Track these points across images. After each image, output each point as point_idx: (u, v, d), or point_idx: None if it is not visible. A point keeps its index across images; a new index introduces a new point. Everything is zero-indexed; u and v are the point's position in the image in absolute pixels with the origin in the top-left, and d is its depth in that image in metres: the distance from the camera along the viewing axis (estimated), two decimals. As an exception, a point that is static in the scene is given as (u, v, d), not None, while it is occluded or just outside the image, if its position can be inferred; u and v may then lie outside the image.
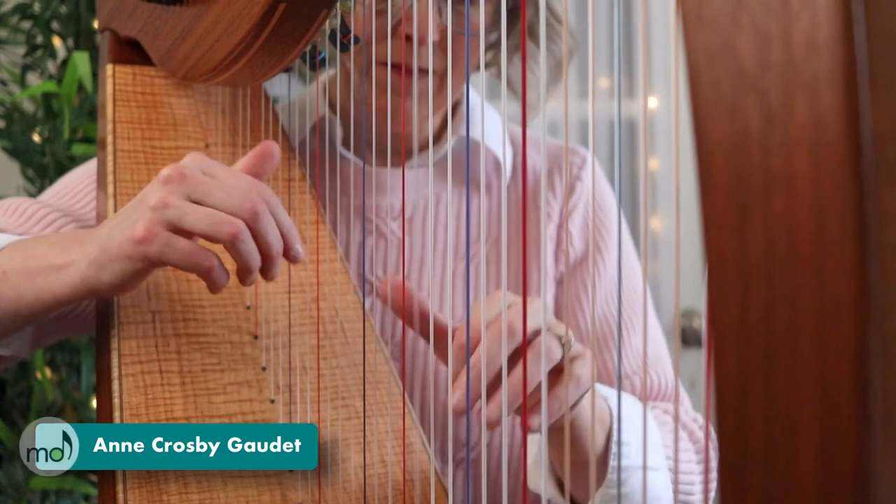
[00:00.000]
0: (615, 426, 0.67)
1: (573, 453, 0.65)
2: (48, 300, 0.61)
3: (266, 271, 0.61)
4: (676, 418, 0.35)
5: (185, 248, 0.58)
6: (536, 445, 0.71)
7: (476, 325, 0.56)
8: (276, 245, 0.60)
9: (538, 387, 0.55)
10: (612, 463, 0.67)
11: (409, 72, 0.73)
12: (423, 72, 0.74)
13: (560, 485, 0.69)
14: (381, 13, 0.74)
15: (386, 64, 0.76)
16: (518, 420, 0.81)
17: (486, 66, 0.89)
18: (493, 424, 0.55)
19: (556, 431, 0.63)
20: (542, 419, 0.49)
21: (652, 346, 0.87)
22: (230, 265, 0.61)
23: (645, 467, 0.38)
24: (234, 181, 0.60)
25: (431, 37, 0.59)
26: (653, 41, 1.80)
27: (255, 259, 0.60)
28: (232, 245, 0.58)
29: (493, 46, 0.86)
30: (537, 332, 0.57)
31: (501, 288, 0.52)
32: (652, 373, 0.85)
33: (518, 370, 0.54)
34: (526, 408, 0.53)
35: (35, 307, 0.62)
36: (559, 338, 0.57)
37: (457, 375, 0.56)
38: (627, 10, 1.86)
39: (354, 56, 0.77)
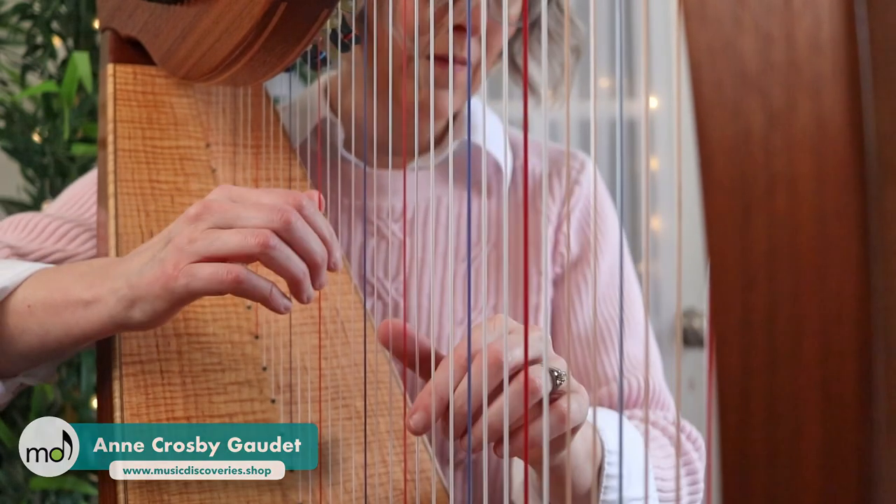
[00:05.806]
0: (607, 459, 0.66)
1: (562, 487, 0.62)
2: (76, 336, 0.60)
3: (312, 280, 0.58)
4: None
5: (207, 271, 0.55)
6: (520, 470, 0.69)
7: (472, 350, 0.53)
8: (319, 251, 0.58)
9: (521, 417, 0.53)
10: (604, 497, 0.66)
11: (445, 61, 0.75)
12: (455, 61, 0.75)
13: None
14: (424, 3, 0.73)
15: (425, 57, 0.76)
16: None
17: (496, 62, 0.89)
18: (475, 449, 0.53)
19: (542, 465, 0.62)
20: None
21: (639, 351, 0.86)
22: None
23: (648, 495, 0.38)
24: (264, 198, 0.58)
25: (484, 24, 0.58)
26: (654, 41, 1.80)
27: (298, 267, 0.57)
28: (265, 255, 0.56)
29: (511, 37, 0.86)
30: (532, 362, 0.54)
31: (501, 306, 0.50)
32: (636, 377, 0.85)
33: (500, 401, 0.52)
34: (504, 437, 0.51)
35: (63, 342, 0.61)
36: (553, 371, 0.55)
37: (431, 399, 0.54)
38: (628, 10, 1.86)
39: (397, 45, 0.76)
